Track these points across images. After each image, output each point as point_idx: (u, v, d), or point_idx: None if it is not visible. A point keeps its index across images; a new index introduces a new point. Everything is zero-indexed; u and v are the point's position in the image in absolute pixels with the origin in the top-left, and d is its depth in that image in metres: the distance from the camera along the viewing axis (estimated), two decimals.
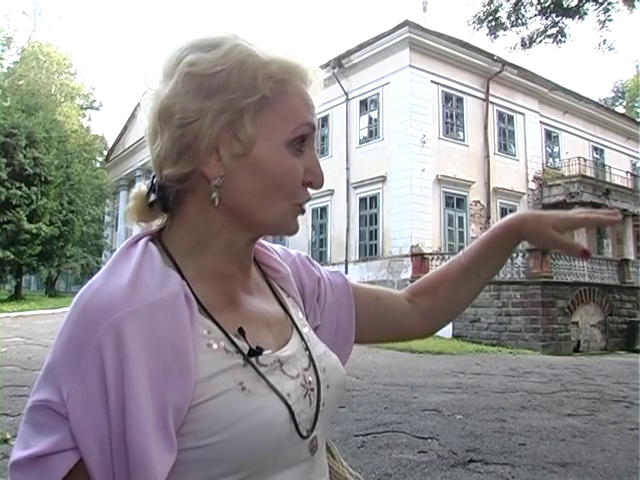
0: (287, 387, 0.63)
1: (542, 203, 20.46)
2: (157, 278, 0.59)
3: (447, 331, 14.39)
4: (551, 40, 10.09)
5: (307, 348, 0.69)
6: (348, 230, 18.80)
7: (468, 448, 4.29)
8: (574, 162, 20.87)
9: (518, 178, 19.97)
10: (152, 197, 0.67)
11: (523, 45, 10.24)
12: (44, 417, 0.54)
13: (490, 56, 18.45)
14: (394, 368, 7.95)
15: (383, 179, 17.80)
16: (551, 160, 21.96)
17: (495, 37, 10.25)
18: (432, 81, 17.83)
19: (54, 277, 27.68)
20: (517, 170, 20.05)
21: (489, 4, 9.98)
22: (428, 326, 0.89)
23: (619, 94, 43.32)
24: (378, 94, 18.44)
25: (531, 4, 9.92)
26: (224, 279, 0.67)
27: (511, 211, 19.74)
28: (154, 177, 0.67)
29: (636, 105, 40.49)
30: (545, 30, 10.05)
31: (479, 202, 18.73)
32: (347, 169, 18.91)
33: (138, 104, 30.74)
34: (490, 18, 10.02)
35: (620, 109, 36.65)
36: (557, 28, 10.01)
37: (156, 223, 0.69)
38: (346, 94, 19.17)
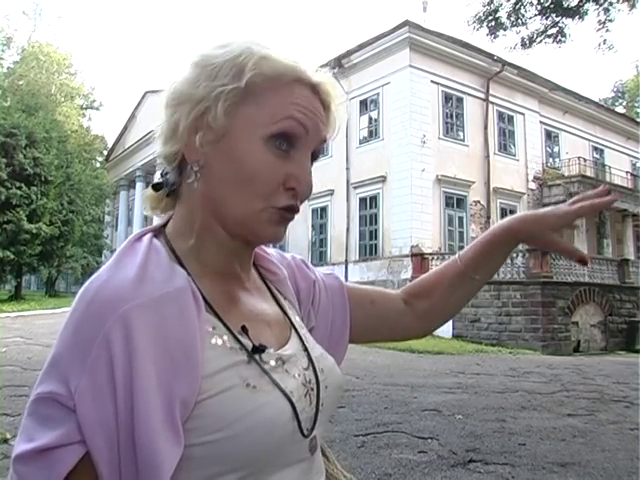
0: (290, 385, 0.63)
1: (542, 203, 20.46)
2: (164, 273, 0.59)
3: (447, 331, 14.40)
4: (551, 40, 10.09)
5: (306, 349, 0.70)
6: (348, 230, 18.80)
7: (468, 448, 4.29)
8: (574, 162, 20.87)
9: (518, 178, 19.98)
10: (162, 187, 0.69)
11: (523, 45, 10.24)
12: (49, 409, 0.53)
13: (490, 56, 18.46)
14: (394, 368, 7.95)
15: (383, 179, 17.81)
16: (551, 160, 21.96)
17: (495, 37, 10.25)
18: (432, 81, 17.83)
19: (54, 277, 27.70)
20: (517, 170, 20.05)
21: (489, 4, 9.98)
22: (423, 327, 0.90)
23: (619, 94, 43.31)
24: (378, 94, 18.45)
25: (531, 4, 9.91)
26: (225, 278, 0.67)
27: (511, 211, 19.75)
28: (165, 169, 0.69)
29: (636, 105, 40.49)
30: (545, 30, 10.05)
31: (479, 202, 18.74)
32: (347, 169, 18.91)
33: (138, 104, 30.89)
34: (490, 18, 10.01)
35: (620, 109, 36.65)
36: (557, 28, 10.01)
37: (169, 214, 0.70)
38: (346, 94, 19.17)
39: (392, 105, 17.69)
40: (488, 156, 18.89)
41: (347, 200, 18.90)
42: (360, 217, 18.68)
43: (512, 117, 20.21)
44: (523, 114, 20.33)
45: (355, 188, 18.80)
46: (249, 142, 0.62)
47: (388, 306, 0.87)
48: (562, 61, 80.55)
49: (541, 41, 10.15)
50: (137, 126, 29.73)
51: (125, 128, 33.14)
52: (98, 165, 32.52)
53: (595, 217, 20.49)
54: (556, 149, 22.43)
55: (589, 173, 20.99)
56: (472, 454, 4.13)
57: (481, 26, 10.15)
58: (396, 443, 4.38)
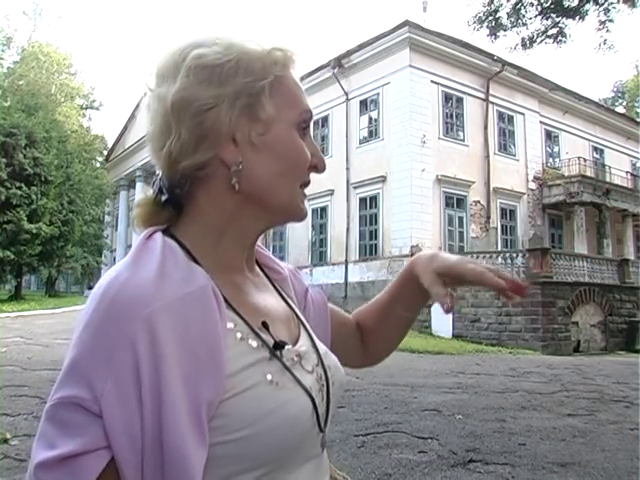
0: (308, 381, 0.63)
1: (542, 203, 20.48)
2: (182, 271, 0.58)
3: (447, 331, 14.40)
4: (551, 40, 10.11)
5: (315, 345, 0.70)
6: (348, 230, 18.80)
7: (468, 448, 4.29)
8: (574, 162, 20.87)
9: (518, 178, 19.97)
10: (163, 197, 0.67)
11: (523, 45, 10.25)
12: (72, 414, 0.51)
13: (490, 56, 18.45)
14: (394, 368, 7.94)
15: (383, 179, 17.80)
16: (551, 160, 21.96)
17: (495, 37, 10.26)
18: (432, 81, 17.83)
19: (54, 277, 27.71)
20: (517, 170, 20.05)
21: (489, 4, 9.99)
22: (364, 359, 0.91)
23: (619, 94, 43.29)
24: (378, 94, 18.44)
25: (531, 4, 9.92)
26: (236, 272, 0.67)
27: (511, 211, 19.78)
28: (159, 179, 0.67)
29: (636, 105, 40.48)
30: (545, 30, 10.06)
31: (479, 202, 18.73)
32: (347, 169, 18.91)
33: (138, 104, 30.89)
34: (490, 18, 10.03)
35: (620, 109, 36.64)
36: (557, 28, 10.02)
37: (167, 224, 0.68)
38: (346, 94, 19.18)
39: (392, 105, 17.68)
40: (488, 156, 18.89)
41: (347, 200, 18.89)
42: (360, 217, 18.68)
43: (512, 117, 20.21)
44: (523, 114, 20.32)
45: (355, 188, 18.79)
46: (288, 130, 0.65)
47: (351, 331, 0.88)
48: (562, 61, 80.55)
49: (541, 41, 10.16)
50: (137, 126, 29.69)
51: (125, 128, 33.12)
52: (98, 165, 32.51)
53: (595, 217, 20.50)
54: (556, 149, 22.42)
55: (589, 173, 21.00)
56: (472, 454, 4.13)
57: (481, 26, 10.16)
58: (396, 443, 4.38)
